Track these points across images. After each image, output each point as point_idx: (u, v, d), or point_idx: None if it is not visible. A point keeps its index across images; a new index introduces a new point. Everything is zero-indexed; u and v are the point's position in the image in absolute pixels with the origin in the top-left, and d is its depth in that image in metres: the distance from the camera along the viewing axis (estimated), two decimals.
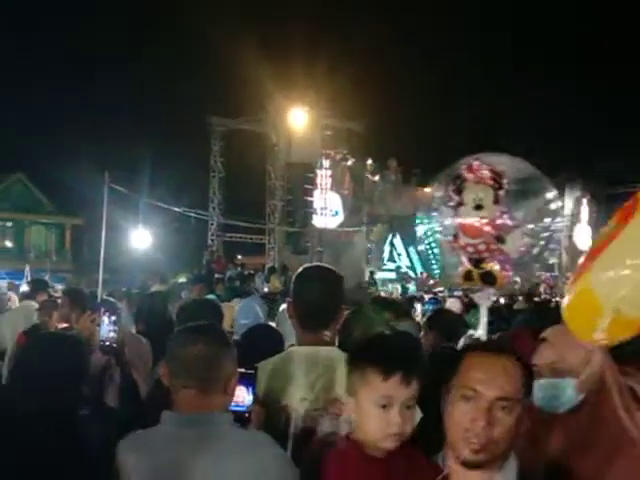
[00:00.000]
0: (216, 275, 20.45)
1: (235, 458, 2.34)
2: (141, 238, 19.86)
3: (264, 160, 26.20)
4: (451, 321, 4.92)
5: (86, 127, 26.65)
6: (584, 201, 32.53)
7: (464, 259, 4.47)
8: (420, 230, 5.06)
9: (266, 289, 18.06)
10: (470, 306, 10.55)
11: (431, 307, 10.91)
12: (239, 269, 22.60)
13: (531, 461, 2.34)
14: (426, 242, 5.03)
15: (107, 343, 4.01)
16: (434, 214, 4.73)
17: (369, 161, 27.94)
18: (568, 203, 32.17)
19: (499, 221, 4.41)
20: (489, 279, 4.45)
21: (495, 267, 4.46)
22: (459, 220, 4.43)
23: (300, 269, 3.40)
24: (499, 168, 4.41)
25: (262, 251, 27.02)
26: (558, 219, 5.53)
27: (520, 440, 2.07)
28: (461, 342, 5.84)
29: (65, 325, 5.10)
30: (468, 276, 4.43)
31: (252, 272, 21.77)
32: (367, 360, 2.36)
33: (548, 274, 31.18)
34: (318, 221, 25.66)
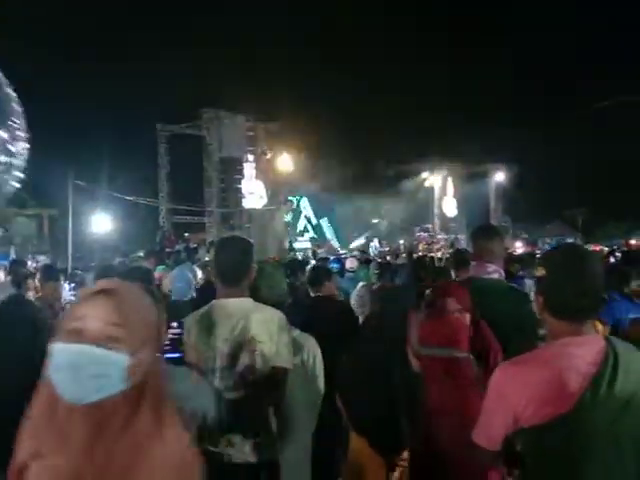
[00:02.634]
0: (167, 249, 20.36)
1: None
2: (102, 223, 19.75)
3: (201, 157, 26.18)
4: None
5: (54, 131, 25.77)
6: (449, 179, 33.22)
7: None
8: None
9: (207, 258, 17.98)
10: (364, 262, 10.75)
11: (335, 265, 11.02)
12: (185, 244, 22.58)
13: None
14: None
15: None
16: None
17: (284, 154, 28.33)
18: (437, 180, 32.92)
19: None
20: None
21: None
22: None
23: (219, 239, 3.39)
24: None
25: (203, 229, 27.01)
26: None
27: None
28: (358, 290, 5.91)
29: (38, 295, 4.96)
30: None
31: (196, 246, 21.70)
32: None
33: (425, 234, 31.98)
34: (247, 203, 25.91)
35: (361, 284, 6.11)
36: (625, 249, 15.25)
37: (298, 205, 32.38)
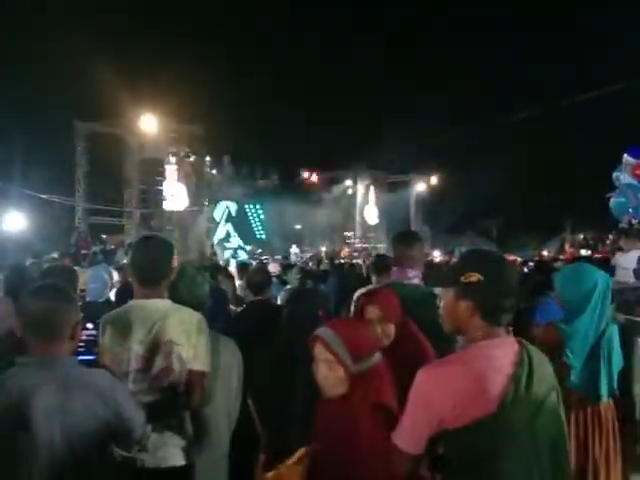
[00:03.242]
0: (83, 251, 19.77)
1: (79, 392, 2.24)
2: (14, 221, 18.92)
3: (121, 157, 25.55)
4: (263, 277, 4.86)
5: None
6: (371, 187, 33.71)
7: None
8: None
9: (125, 261, 17.53)
10: (287, 267, 10.79)
11: None
12: (102, 246, 21.94)
13: None
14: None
15: None
16: None
17: (207, 158, 28.09)
18: (360, 189, 33.36)
19: None
20: None
21: None
22: None
23: (137, 238, 3.29)
24: None
25: (122, 231, 26.32)
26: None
27: None
28: (281, 294, 5.90)
29: None
30: None
31: (114, 247, 21.15)
32: None
33: (347, 241, 32.36)
34: (168, 205, 25.47)
35: (287, 287, 6.13)
36: (537, 259, 15.87)
37: (225, 210, 32.15)
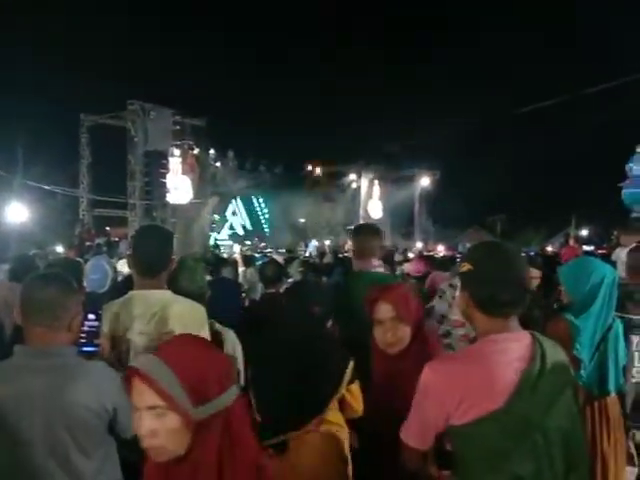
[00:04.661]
0: (87, 243, 19.83)
1: (77, 383, 2.21)
2: (17, 213, 18.91)
3: (125, 149, 25.49)
4: (276, 270, 4.95)
5: None
6: (375, 182, 33.62)
7: None
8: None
9: (129, 252, 17.58)
10: (289, 260, 10.81)
11: (262, 262, 10.93)
12: (106, 238, 21.99)
13: None
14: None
15: None
16: None
17: (211, 150, 28.07)
18: (364, 183, 33.29)
19: None
20: None
21: None
22: None
23: (138, 228, 3.27)
24: None
25: (126, 223, 26.29)
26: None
27: None
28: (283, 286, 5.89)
29: None
30: None
31: (117, 240, 21.19)
32: None
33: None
34: (171, 198, 25.41)
35: (290, 280, 6.11)
36: (540, 254, 15.83)
37: (230, 202, 32.20)
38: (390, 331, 2.59)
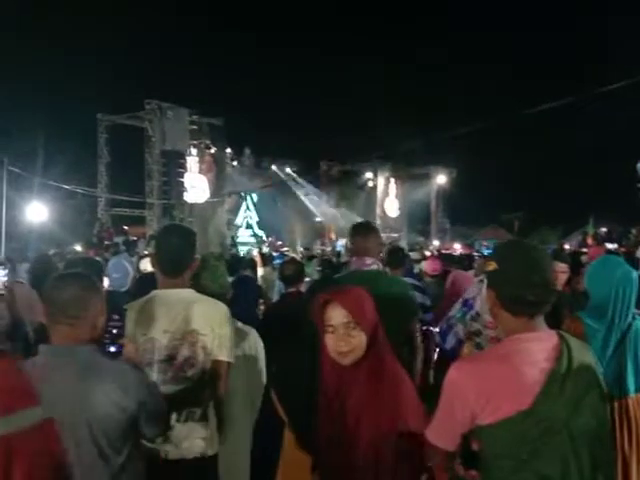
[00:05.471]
0: (105, 242, 20.00)
1: (101, 381, 2.22)
2: (37, 212, 19.11)
3: (143, 148, 25.65)
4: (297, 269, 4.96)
5: None
6: (392, 180, 33.51)
7: None
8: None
9: (146, 252, 17.69)
10: (307, 258, 10.86)
11: (279, 261, 10.98)
12: (125, 237, 22.14)
13: None
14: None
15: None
16: None
17: (228, 149, 28.11)
18: (380, 181, 33.19)
19: None
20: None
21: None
22: None
23: (161, 228, 3.29)
24: None
25: (144, 222, 26.47)
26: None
27: None
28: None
29: None
30: None
31: (135, 239, 21.32)
32: None
33: None
34: (188, 197, 25.55)
35: (307, 280, 6.10)
36: (558, 250, 15.73)
37: (245, 200, 32.21)
38: (343, 339, 2.23)
